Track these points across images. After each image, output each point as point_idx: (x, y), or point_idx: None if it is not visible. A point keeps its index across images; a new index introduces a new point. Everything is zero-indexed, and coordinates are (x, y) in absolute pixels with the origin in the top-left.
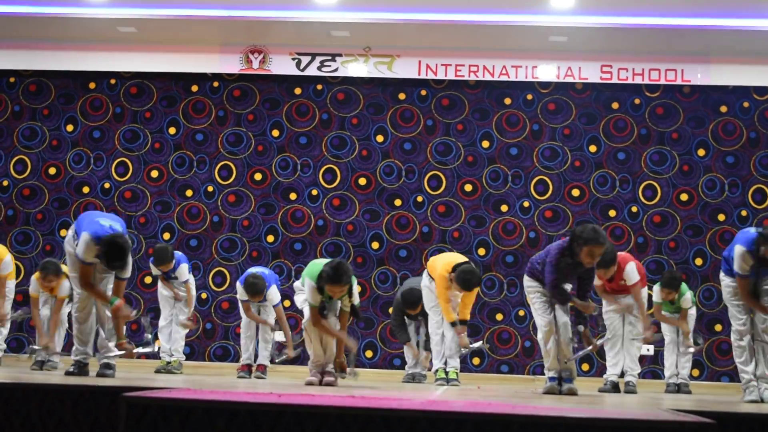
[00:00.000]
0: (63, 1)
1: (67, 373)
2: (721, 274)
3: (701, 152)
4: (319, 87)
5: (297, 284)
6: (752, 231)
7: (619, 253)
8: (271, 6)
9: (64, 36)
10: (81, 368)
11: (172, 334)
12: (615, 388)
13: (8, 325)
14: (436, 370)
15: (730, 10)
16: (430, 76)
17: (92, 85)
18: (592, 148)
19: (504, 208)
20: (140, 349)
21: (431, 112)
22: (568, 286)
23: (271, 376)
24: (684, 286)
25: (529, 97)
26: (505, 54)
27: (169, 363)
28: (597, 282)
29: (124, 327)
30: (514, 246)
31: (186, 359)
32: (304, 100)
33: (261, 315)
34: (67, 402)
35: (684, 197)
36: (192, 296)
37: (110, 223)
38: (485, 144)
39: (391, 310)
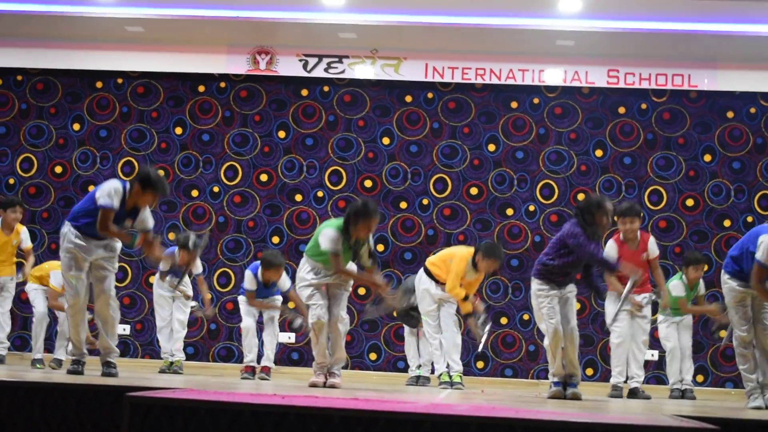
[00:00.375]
0: (71, 0)
1: (69, 372)
2: (725, 277)
3: (707, 158)
4: (326, 88)
5: (299, 274)
6: None
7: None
8: (279, 7)
9: (72, 35)
10: (78, 367)
11: (172, 333)
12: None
13: (9, 323)
14: (440, 374)
15: (738, 16)
16: (437, 78)
17: (99, 84)
18: (598, 153)
19: (509, 211)
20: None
21: (437, 115)
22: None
23: (275, 378)
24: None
25: (536, 100)
26: (512, 57)
27: (172, 363)
28: (613, 253)
29: (159, 249)
30: (519, 250)
31: (189, 360)
32: (310, 102)
33: (265, 315)
34: (70, 401)
35: (690, 203)
36: (205, 288)
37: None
38: (491, 147)
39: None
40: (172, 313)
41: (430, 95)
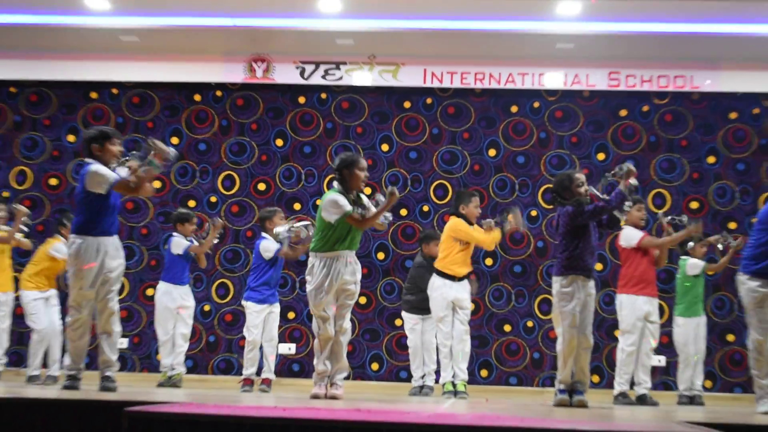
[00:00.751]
0: (65, 11)
1: (65, 388)
2: (743, 278)
3: (711, 159)
4: (324, 96)
5: (309, 276)
6: None
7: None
8: (275, 14)
9: (66, 45)
10: (74, 382)
11: (175, 347)
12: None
13: (8, 338)
14: (444, 383)
15: (740, 16)
16: (436, 84)
17: (94, 95)
18: (600, 156)
19: (511, 217)
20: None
21: (437, 121)
22: (595, 237)
23: (275, 389)
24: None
25: (536, 104)
26: (512, 61)
27: (171, 377)
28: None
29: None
30: (522, 256)
31: (188, 373)
32: (308, 109)
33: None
34: (69, 416)
35: (694, 205)
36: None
37: None
38: (492, 152)
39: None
40: (175, 326)
41: (429, 101)
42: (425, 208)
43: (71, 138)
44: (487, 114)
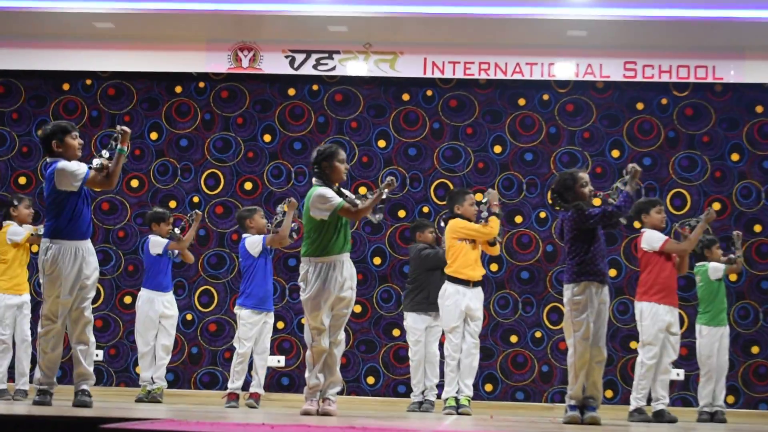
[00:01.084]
0: None
1: (36, 403)
2: None
3: (735, 157)
4: (315, 87)
5: (302, 283)
6: None
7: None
8: None
9: (35, 32)
10: (45, 397)
11: (156, 360)
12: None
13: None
14: (446, 399)
15: (766, 1)
16: (437, 74)
17: (66, 86)
18: (615, 153)
19: (518, 219)
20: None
21: (438, 115)
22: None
23: (264, 405)
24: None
25: (546, 97)
26: (519, 50)
27: (150, 391)
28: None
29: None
30: (529, 261)
31: (170, 387)
32: (298, 102)
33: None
34: None
35: (716, 206)
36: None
37: None
38: (497, 149)
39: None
40: (157, 337)
41: (429, 93)
42: (425, 209)
43: (41, 133)
44: (492, 107)
